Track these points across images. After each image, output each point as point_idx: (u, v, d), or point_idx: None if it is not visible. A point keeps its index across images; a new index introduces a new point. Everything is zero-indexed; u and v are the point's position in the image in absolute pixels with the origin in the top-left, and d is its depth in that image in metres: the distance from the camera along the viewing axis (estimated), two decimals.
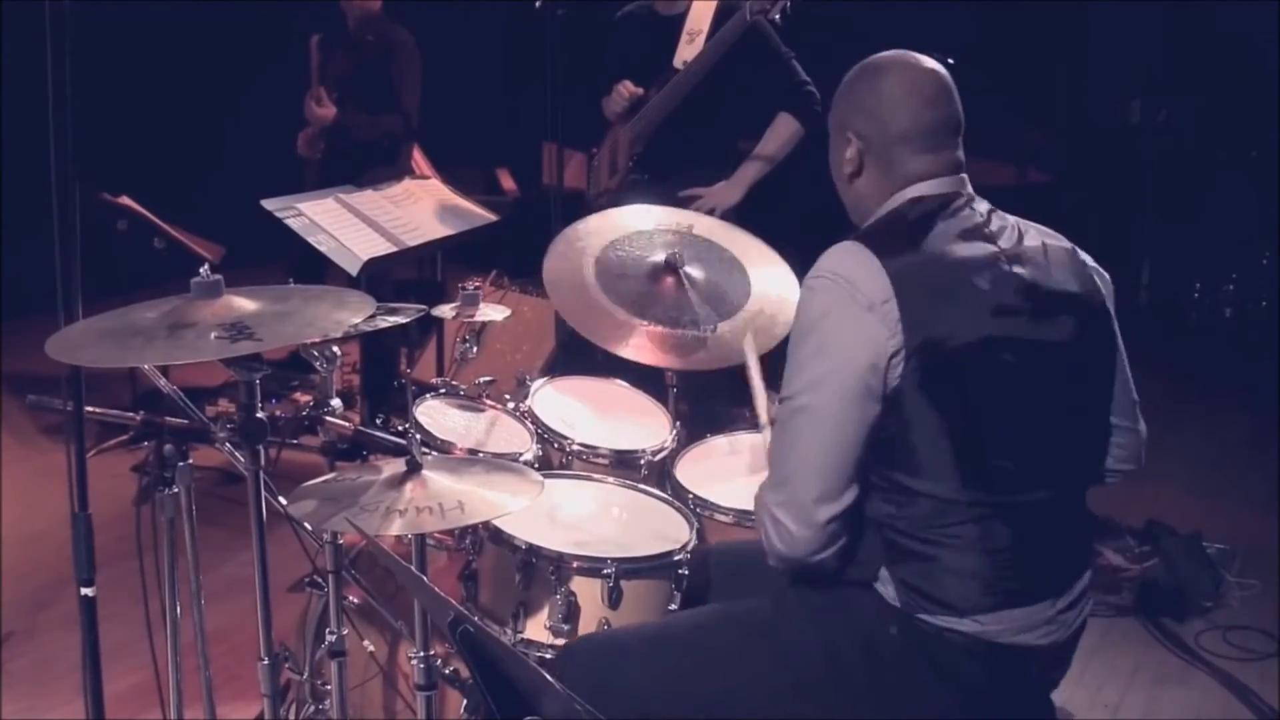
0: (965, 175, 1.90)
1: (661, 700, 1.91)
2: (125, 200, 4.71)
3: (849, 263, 1.79)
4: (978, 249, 1.82)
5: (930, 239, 1.81)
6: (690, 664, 1.92)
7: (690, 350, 2.69)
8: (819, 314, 1.78)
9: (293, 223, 3.58)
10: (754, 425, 2.83)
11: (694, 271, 2.78)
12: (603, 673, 1.93)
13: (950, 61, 1.97)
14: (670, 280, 2.76)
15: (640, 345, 2.68)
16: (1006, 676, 1.83)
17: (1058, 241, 1.93)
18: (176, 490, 2.11)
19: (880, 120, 1.87)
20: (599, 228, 2.88)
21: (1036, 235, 1.90)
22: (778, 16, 3.35)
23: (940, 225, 1.82)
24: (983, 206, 1.90)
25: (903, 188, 1.87)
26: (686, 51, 3.62)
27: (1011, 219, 1.91)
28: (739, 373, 2.50)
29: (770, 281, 2.80)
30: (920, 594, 1.78)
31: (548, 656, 2.15)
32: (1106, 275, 1.96)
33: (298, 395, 4.95)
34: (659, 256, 2.78)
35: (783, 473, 1.81)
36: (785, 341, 1.90)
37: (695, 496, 2.45)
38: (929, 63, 1.89)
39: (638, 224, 2.90)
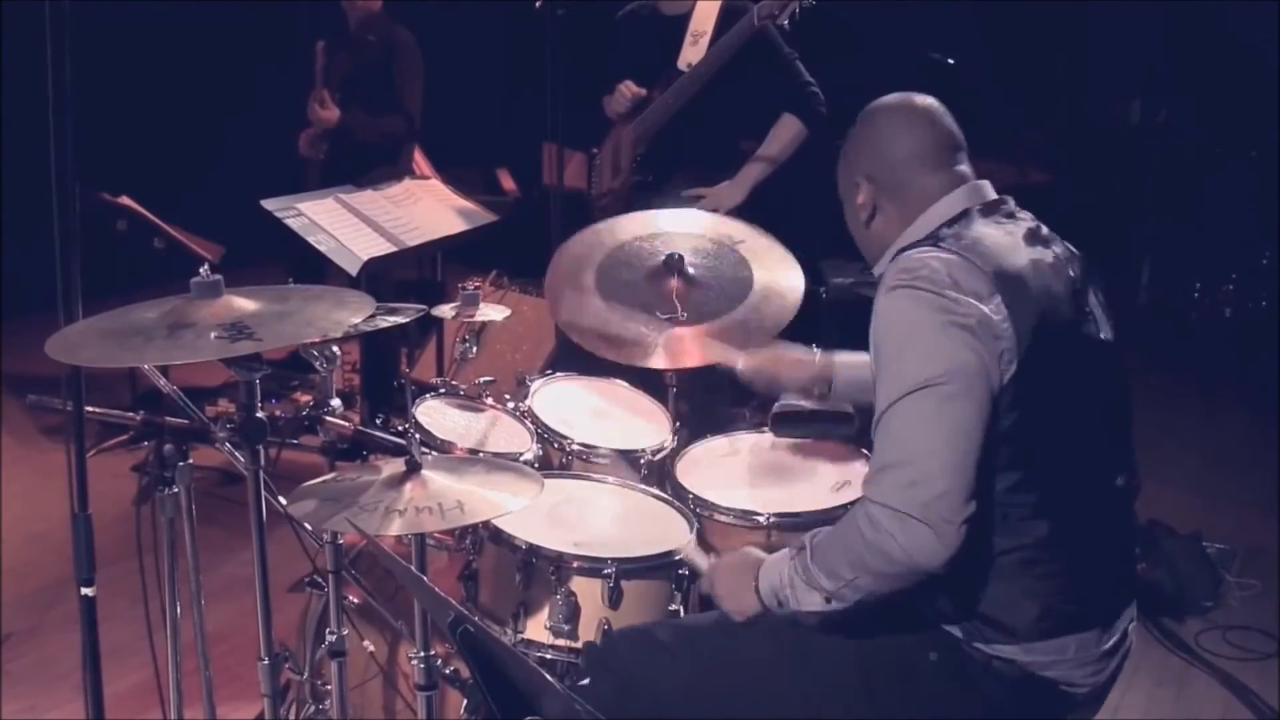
0: (988, 183, 1.91)
1: (693, 698, 1.92)
2: (125, 200, 4.71)
3: (943, 265, 1.74)
4: (1040, 250, 1.83)
5: (1001, 240, 1.81)
6: (723, 663, 1.93)
7: (630, 345, 2.66)
8: (931, 311, 1.70)
9: (292, 223, 3.58)
10: (754, 425, 2.84)
11: (693, 272, 2.76)
12: (637, 668, 1.95)
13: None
14: (669, 283, 2.74)
15: (584, 325, 2.68)
16: (1045, 710, 1.82)
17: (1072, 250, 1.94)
18: (176, 490, 2.11)
19: (882, 152, 1.90)
20: (617, 228, 2.87)
21: (1063, 242, 1.93)
22: (786, 22, 3.34)
23: (1003, 228, 1.83)
24: (1026, 212, 1.92)
25: (927, 207, 1.87)
26: (691, 53, 3.62)
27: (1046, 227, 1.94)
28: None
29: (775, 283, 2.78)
30: (980, 618, 1.76)
31: (548, 656, 2.16)
32: None
33: (298, 395, 4.96)
34: (661, 257, 2.76)
35: (919, 471, 1.66)
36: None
37: (695, 496, 2.45)
38: (919, 96, 1.94)
39: (672, 227, 2.87)
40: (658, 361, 2.67)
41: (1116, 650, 1.86)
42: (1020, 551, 1.75)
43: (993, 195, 1.90)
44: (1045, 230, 1.90)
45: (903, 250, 1.85)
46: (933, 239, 1.82)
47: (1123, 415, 1.89)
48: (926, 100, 1.93)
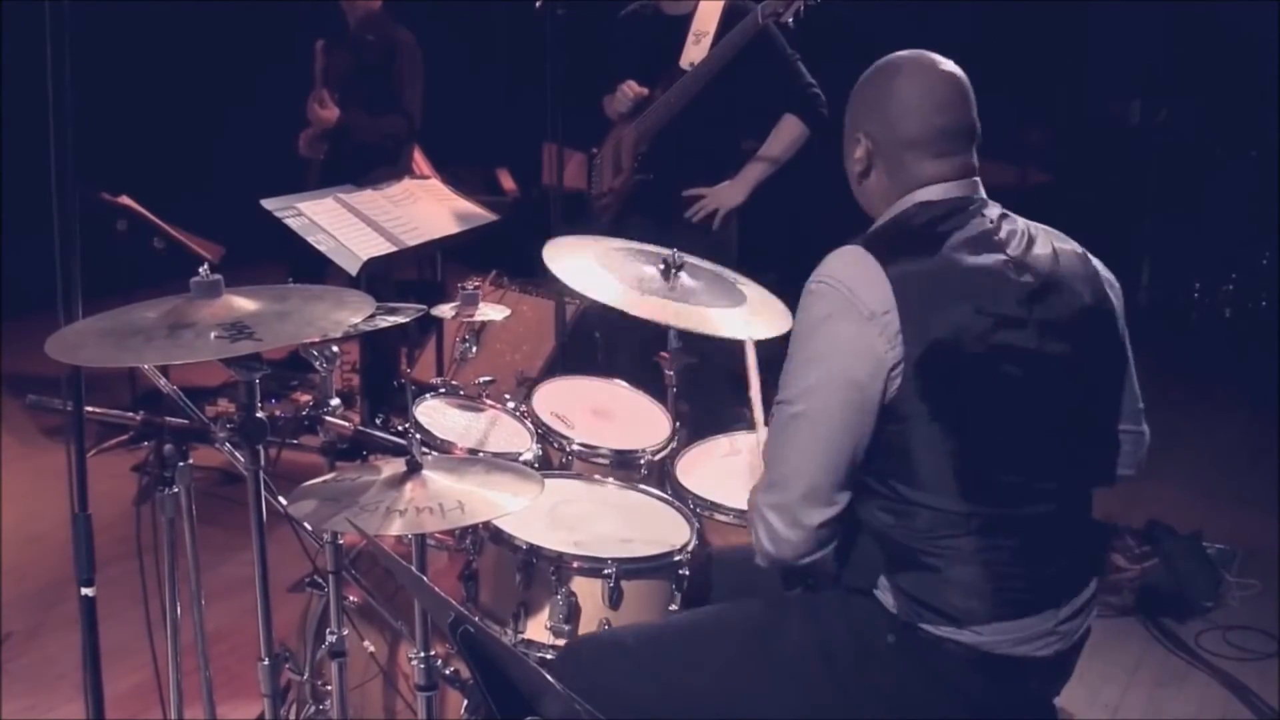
0: (978, 179, 1.88)
1: (659, 701, 1.91)
2: (125, 200, 4.71)
3: (851, 269, 1.76)
4: (985, 257, 1.79)
5: (936, 245, 1.78)
6: (688, 665, 1.93)
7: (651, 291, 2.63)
8: (819, 319, 1.76)
9: (292, 222, 3.58)
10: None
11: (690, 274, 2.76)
12: (602, 673, 1.93)
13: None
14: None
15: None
16: (1007, 687, 1.82)
17: (1069, 246, 1.90)
18: (176, 490, 2.11)
19: (891, 123, 1.84)
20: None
21: (1046, 241, 1.88)
22: (790, 20, 3.33)
23: (948, 232, 1.80)
24: (993, 212, 1.87)
25: (910, 191, 1.85)
26: (694, 53, 3.61)
27: (1022, 223, 1.88)
28: (738, 371, 2.47)
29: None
30: (919, 603, 1.77)
31: (548, 657, 2.16)
32: (1116, 283, 1.94)
33: (298, 395, 4.96)
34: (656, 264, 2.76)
35: (775, 475, 1.80)
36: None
37: (695, 496, 2.45)
38: (947, 66, 1.85)
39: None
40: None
41: (1076, 617, 1.86)
42: (954, 539, 1.75)
43: (962, 193, 1.85)
44: (1004, 233, 1.84)
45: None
46: (867, 238, 1.82)
47: (1067, 422, 1.83)
48: (954, 77, 1.84)
